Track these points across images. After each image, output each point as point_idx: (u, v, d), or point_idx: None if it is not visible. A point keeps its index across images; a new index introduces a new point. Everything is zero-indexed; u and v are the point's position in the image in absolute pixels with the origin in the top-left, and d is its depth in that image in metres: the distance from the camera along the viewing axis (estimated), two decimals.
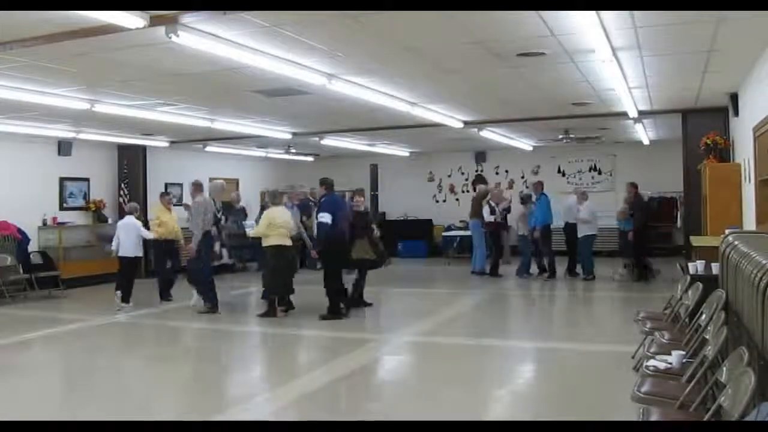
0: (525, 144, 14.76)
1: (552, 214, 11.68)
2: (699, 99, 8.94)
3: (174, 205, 10.37)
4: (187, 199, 13.71)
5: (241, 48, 5.54)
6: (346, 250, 8.17)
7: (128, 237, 9.03)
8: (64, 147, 11.86)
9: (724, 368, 2.88)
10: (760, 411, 2.21)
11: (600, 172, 15.63)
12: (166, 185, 13.95)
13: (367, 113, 9.53)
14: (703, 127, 9.22)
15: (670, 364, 3.71)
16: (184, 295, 9.30)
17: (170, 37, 4.84)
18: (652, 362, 3.79)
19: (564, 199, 12.38)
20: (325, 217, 7.91)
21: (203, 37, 5.10)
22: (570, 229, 11.49)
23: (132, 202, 10.39)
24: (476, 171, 16.80)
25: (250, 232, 8.82)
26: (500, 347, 6.81)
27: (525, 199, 12.05)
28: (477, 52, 6.10)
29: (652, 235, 11.51)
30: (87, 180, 12.53)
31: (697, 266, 5.89)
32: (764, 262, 3.04)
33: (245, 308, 9.09)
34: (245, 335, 7.86)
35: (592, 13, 4.66)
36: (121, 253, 9.03)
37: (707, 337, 3.72)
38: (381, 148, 15.38)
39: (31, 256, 10.80)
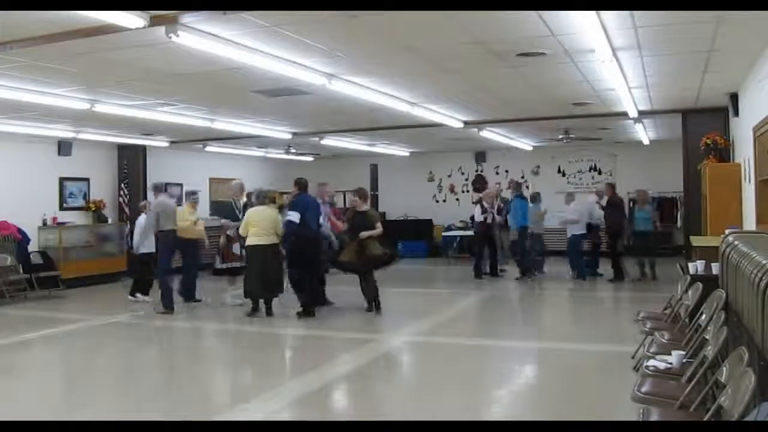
0: (525, 144, 14.76)
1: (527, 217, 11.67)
2: (699, 99, 8.94)
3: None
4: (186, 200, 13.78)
5: (241, 48, 5.54)
6: (314, 250, 8.23)
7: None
8: (64, 147, 11.86)
9: (724, 368, 2.88)
10: (760, 411, 2.21)
11: (600, 172, 15.64)
12: (166, 185, 13.97)
13: (367, 113, 9.53)
14: (703, 127, 9.22)
15: (670, 364, 3.71)
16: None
17: (170, 37, 4.84)
18: (652, 362, 3.79)
19: (583, 199, 12.13)
20: (293, 216, 7.98)
21: (203, 37, 5.10)
22: (592, 229, 11.35)
23: (144, 200, 10.66)
24: (476, 171, 16.80)
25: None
26: (500, 347, 6.81)
27: (534, 198, 11.98)
28: (477, 52, 6.10)
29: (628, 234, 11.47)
30: (87, 180, 12.53)
31: (697, 266, 5.89)
32: (764, 262, 3.04)
33: (246, 309, 9.06)
34: (245, 335, 7.85)
35: (592, 13, 4.66)
36: (142, 250, 9.39)
37: (707, 337, 3.72)
38: (381, 148, 15.38)
39: (31, 256, 10.81)
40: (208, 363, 6.60)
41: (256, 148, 14.61)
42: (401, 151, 16.13)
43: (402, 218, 16.92)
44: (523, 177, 16.17)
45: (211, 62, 6.09)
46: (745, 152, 7.53)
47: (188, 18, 4.74)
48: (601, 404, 4.66)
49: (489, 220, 11.69)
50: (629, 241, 11.51)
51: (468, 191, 16.78)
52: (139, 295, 9.55)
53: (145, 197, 12.65)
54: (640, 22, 5.19)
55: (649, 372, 3.66)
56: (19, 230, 10.63)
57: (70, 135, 11.04)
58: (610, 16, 4.95)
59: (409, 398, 5.08)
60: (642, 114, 9.93)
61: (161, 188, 9.38)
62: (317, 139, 12.70)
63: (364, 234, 8.36)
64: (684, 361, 3.72)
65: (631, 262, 11.09)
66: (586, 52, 6.09)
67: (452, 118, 10.36)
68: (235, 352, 7.09)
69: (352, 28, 5.23)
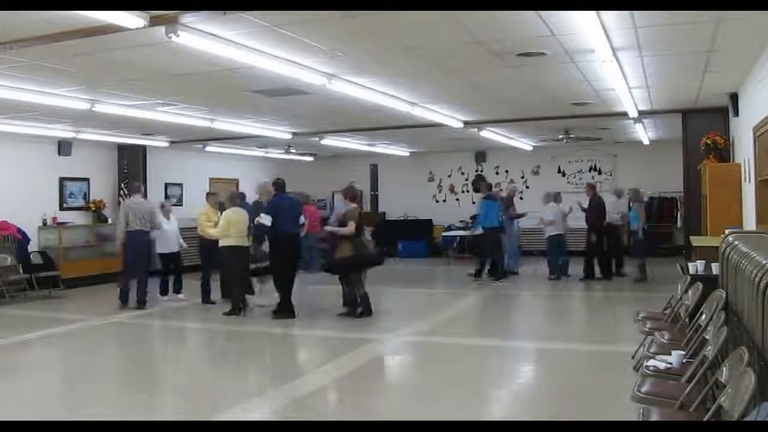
0: (525, 144, 14.77)
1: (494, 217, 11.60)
2: (699, 99, 8.94)
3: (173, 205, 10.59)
4: (187, 199, 13.81)
5: (241, 48, 5.54)
6: (292, 250, 8.22)
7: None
8: (64, 147, 11.86)
9: (724, 368, 2.88)
10: (760, 411, 2.21)
11: (600, 172, 15.64)
12: (166, 185, 14.00)
13: (367, 113, 9.53)
14: (703, 127, 9.22)
15: (670, 364, 3.71)
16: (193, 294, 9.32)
17: (170, 37, 4.84)
18: (652, 362, 3.79)
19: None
20: (264, 219, 8.03)
21: (203, 37, 5.11)
22: (610, 228, 11.24)
23: (165, 201, 10.89)
24: (476, 171, 16.80)
25: (213, 232, 8.82)
26: (500, 347, 6.80)
27: (556, 198, 11.79)
28: (477, 52, 6.10)
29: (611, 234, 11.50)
30: (87, 180, 12.53)
31: (697, 266, 5.88)
32: (764, 262, 3.04)
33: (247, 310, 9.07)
34: (245, 335, 7.85)
35: (592, 13, 4.66)
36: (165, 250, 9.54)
37: (707, 337, 3.71)
38: (381, 148, 15.39)
39: (31, 256, 10.81)
40: (209, 363, 6.60)
41: (256, 148, 14.62)
42: (401, 151, 16.13)
43: (402, 218, 16.93)
44: (523, 177, 16.19)
45: (211, 62, 6.09)
46: (745, 152, 7.54)
47: (188, 18, 4.74)
48: (601, 404, 4.66)
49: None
50: (628, 241, 11.54)
51: (468, 191, 16.78)
52: (176, 294, 9.64)
53: (145, 197, 12.67)
54: (640, 22, 5.19)
55: (649, 372, 3.66)
56: (19, 230, 10.64)
57: (70, 135, 11.04)
58: (610, 16, 4.95)
59: (409, 398, 5.07)
60: (642, 114, 9.94)
61: (136, 189, 9.55)
62: (317, 139, 12.70)
63: (327, 228, 8.42)
64: (684, 361, 3.71)
65: (632, 263, 11.12)
66: (586, 52, 6.09)
67: (452, 118, 10.36)
68: (235, 352, 7.08)
69: (352, 28, 5.23)
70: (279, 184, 8.45)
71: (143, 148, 13.01)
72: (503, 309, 9.61)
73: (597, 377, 5.48)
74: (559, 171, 15.96)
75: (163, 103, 8.63)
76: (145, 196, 10.09)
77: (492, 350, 6.66)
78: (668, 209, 14.48)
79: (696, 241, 7.59)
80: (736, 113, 8.30)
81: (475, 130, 11.47)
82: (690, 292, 5.05)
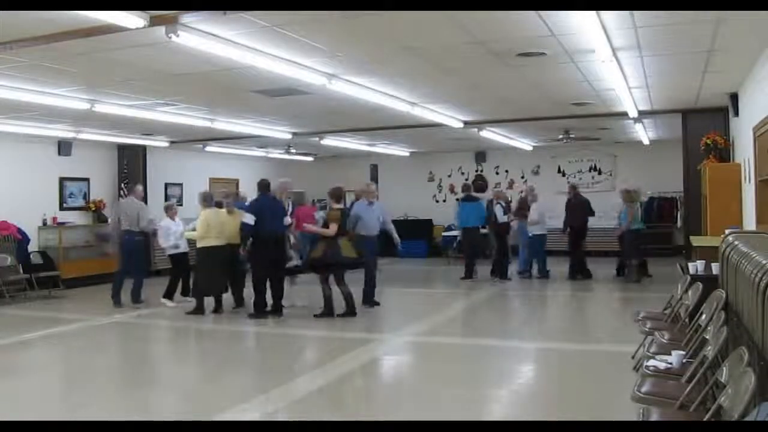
0: (525, 144, 14.77)
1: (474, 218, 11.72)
2: (699, 99, 8.94)
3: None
4: (187, 199, 13.80)
5: (241, 48, 5.54)
6: (274, 249, 8.25)
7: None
8: (64, 147, 11.86)
9: (724, 368, 2.88)
10: (760, 411, 2.21)
11: (600, 172, 15.64)
12: (166, 185, 14.00)
13: (367, 113, 9.53)
14: (703, 127, 9.23)
15: (670, 364, 3.71)
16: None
17: (170, 37, 4.84)
18: (652, 362, 3.79)
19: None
20: (247, 218, 8.11)
21: (203, 37, 5.10)
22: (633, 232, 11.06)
23: (169, 201, 10.84)
24: (476, 171, 16.81)
25: (190, 235, 8.90)
26: (500, 347, 6.80)
27: (532, 197, 11.82)
28: (477, 52, 6.10)
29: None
30: (87, 180, 12.53)
31: (697, 266, 5.89)
32: (764, 262, 3.04)
33: (249, 310, 9.07)
34: (245, 335, 7.86)
35: (592, 13, 4.66)
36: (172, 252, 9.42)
37: (707, 337, 3.71)
38: (381, 148, 15.39)
39: (31, 256, 10.81)
40: (208, 362, 6.60)
41: (256, 148, 14.62)
42: (401, 151, 16.13)
43: (402, 218, 16.91)
44: (523, 177, 16.19)
45: (211, 62, 6.09)
46: (745, 152, 7.54)
47: (188, 18, 4.74)
48: (601, 404, 4.66)
49: (510, 219, 11.69)
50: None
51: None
52: (187, 297, 9.31)
53: (145, 197, 12.66)
54: (640, 22, 5.19)
55: (649, 372, 3.66)
56: (19, 230, 10.63)
57: (70, 135, 11.04)
58: (610, 16, 4.95)
59: (409, 398, 5.07)
60: (642, 114, 9.93)
61: (131, 189, 9.66)
62: (317, 139, 12.70)
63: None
64: (684, 361, 3.72)
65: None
66: (586, 52, 6.09)
67: (452, 118, 10.36)
68: (235, 352, 7.09)
69: (352, 28, 5.23)
70: (262, 185, 8.53)
71: (143, 148, 13.01)
72: (503, 309, 9.62)
73: (597, 377, 5.48)
74: (559, 171, 15.96)
75: (163, 103, 8.63)
76: (144, 196, 10.06)
77: (492, 350, 6.66)
78: (668, 209, 14.47)
79: (696, 241, 7.59)
80: (736, 113, 8.30)
81: (475, 130, 11.47)
82: (690, 292, 5.05)
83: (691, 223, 9.94)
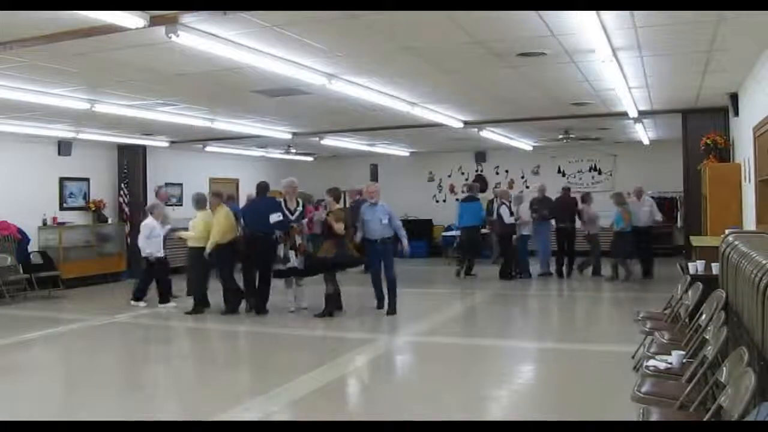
0: (525, 144, 14.77)
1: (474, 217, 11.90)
2: (699, 99, 8.94)
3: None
4: (187, 199, 13.77)
5: (241, 48, 5.54)
6: (262, 250, 8.34)
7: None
8: (64, 147, 11.86)
9: (724, 368, 2.88)
10: (760, 411, 2.21)
11: (600, 172, 15.64)
12: (166, 185, 13.98)
13: (367, 113, 9.53)
14: (703, 127, 9.23)
15: (670, 364, 3.71)
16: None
17: (170, 37, 4.84)
18: (652, 362, 3.79)
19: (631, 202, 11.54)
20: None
21: (203, 37, 5.10)
22: (639, 231, 11.04)
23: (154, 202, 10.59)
24: (476, 171, 16.81)
25: (185, 234, 8.94)
26: (500, 347, 6.81)
27: (585, 198, 11.82)
28: (477, 52, 6.10)
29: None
30: (87, 180, 12.53)
31: (697, 266, 5.89)
32: (764, 262, 3.04)
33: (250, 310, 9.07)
34: (245, 335, 7.86)
35: (592, 13, 4.66)
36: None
37: (707, 337, 3.72)
38: (381, 148, 15.38)
39: (31, 256, 10.81)
40: (208, 362, 6.60)
41: (256, 148, 14.61)
42: (401, 151, 16.13)
43: (402, 218, 16.87)
44: (523, 177, 16.18)
45: (211, 62, 6.09)
46: (745, 152, 7.54)
47: (188, 18, 4.74)
48: (601, 404, 4.66)
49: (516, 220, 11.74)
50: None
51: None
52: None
53: (145, 197, 12.73)
54: (640, 22, 5.19)
55: (649, 372, 3.66)
56: (19, 230, 10.63)
57: (70, 135, 11.04)
58: (610, 16, 4.95)
59: (409, 398, 5.07)
60: (642, 114, 9.93)
61: (158, 192, 9.93)
62: (317, 139, 12.70)
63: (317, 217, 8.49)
64: (684, 361, 3.72)
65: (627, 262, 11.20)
66: (586, 52, 6.09)
67: (452, 118, 10.36)
68: (235, 351, 7.09)
69: (352, 28, 5.23)
70: (259, 186, 8.82)
71: (143, 148, 13.01)
72: (503, 309, 9.61)
73: (597, 377, 5.48)
74: (559, 171, 15.96)
75: (163, 103, 8.63)
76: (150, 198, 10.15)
77: (492, 350, 6.66)
78: (668, 209, 14.46)
79: (696, 241, 7.59)
80: (736, 113, 8.30)
81: (475, 130, 11.47)
82: (690, 292, 5.06)
83: (691, 223, 9.95)
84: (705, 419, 2.77)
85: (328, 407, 4.95)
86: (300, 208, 8.50)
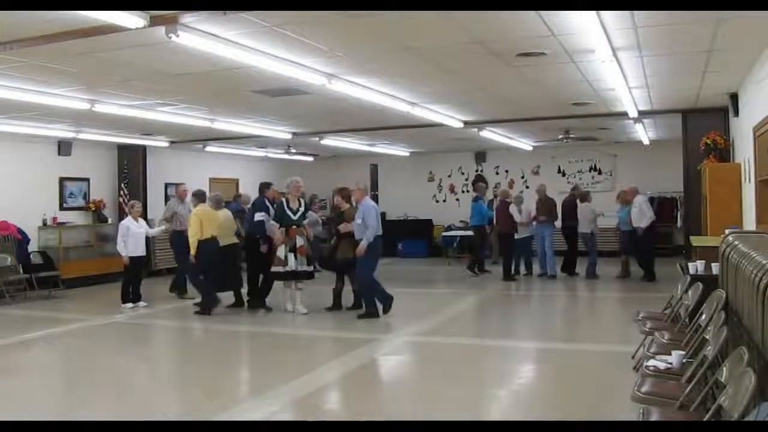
0: (525, 144, 14.76)
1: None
2: (699, 99, 8.94)
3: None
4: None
5: (241, 48, 5.54)
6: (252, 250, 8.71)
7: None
8: (64, 147, 11.86)
9: (724, 368, 2.88)
10: (760, 411, 2.21)
11: (600, 172, 15.64)
12: (166, 185, 14.00)
13: (367, 113, 9.53)
14: (703, 127, 9.22)
15: (670, 364, 3.71)
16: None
17: (170, 37, 4.84)
18: (652, 362, 3.79)
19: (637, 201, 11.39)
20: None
21: (203, 37, 5.10)
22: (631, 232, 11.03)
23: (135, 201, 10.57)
24: (476, 171, 16.81)
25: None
26: (500, 347, 6.81)
27: (584, 197, 11.81)
28: (477, 52, 6.10)
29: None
30: (87, 180, 12.53)
31: (697, 266, 5.89)
32: (764, 262, 3.04)
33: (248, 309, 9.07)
34: (245, 335, 7.86)
35: (592, 13, 4.66)
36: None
37: (707, 337, 3.72)
38: (381, 148, 15.38)
39: (31, 256, 10.80)
40: (208, 362, 6.59)
41: (256, 148, 14.61)
42: (401, 151, 16.13)
43: (402, 218, 16.92)
44: (523, 177, 16.18)
45: (211, 62, 6.09)
46: (745, 152, 7.54)
47: (188, 18, 4.74)
48: (601, 404, 4.66)
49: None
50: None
51: (468, 191, 16.77)
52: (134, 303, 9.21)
53: (145, 197, 12.74)
54: (640, 22, 5.19)
55: (649, 372, 3.66)
56: (19, 230, 10.63)
57: (70, 135, 11.04)
58: (610, 16, 4.95)
59: (409, 398, 5.07)
60: (642, 114, 9.93)
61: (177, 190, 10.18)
62: (317, 139, 12.70)
63: (343, 227, 8.43)
64: (684, 361, 3.72)
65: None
66: (586, 52, 6.09)
67: (452, 118, 10.36)
68: (235, 351, 7.09)
69: (352, 28, 5.23)
70: (259, 186, 9.15)
71: (143, 148, 13.01)
72: (503, 309, 9.61)
73: (597, 377, 5.48)
74: (559, 171, 15.96)
75: (163, 103, 8.63)
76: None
77: (492, 350, 6.66)
78: (668, 209, 14.47)
79: (696, 241, 7.59)
80: (736, 113, 8.30)
81: (475, 130, 11.47)
82: (690, 292, 5.06)
83: (691, 223, 9.94)
84: (705, 419, 2.77)
85: (328, 407, 4.95)
86: (302, 209, 8.48)
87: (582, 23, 4.97)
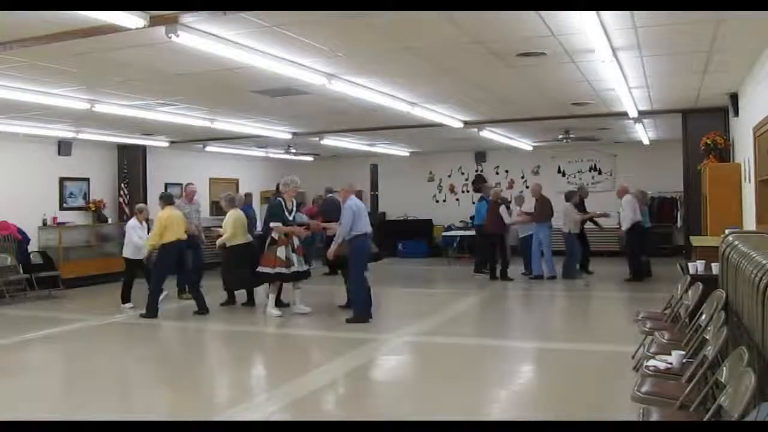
0: (525, 144, 14.76)
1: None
2: (699, 99, 8.94)
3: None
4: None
5: (241, 48, 5.54)
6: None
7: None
8: (64, 147, 11.86)
9: (724, 368, 2.88)
10: (760, 411, 2.21)
11: (600, 172, 15.64)
12: (166, 185, 14.00)
13: (367, 113, 9.53)
14: (703, 127, 9.22)
15: (670, 364, 3.71)
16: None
17: (170, 37, 4.83)
18: (652, 362, 3.79)
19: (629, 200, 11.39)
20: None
21: (203, 37, 5.10)
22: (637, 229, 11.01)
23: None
24: (476, 171, 16.81)
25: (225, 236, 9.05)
26: (500, 347, 6.81)
27: (569, 197, 11.80)
28: (477, 52, 6.10)
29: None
30: (87, 180, 12.53)
31: (697, 266, 5.89)
32: (764, 262, 3.04)
33: (249, 309, 9.08)
34: (244, 335, 7.85)
35: (592, 13, 4.66)
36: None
37: (707, 337, 3.72)
38: (381, 148, 15.38)
39: (31, 256, 10.81)
40: (208, 363, 6.60)
41: (256, 148, 14.61)
42: (401, 151, 16.13)
43: (402, 218, 16.93)
44: (523, 177, 16.18)
45: (211, 62, 6.09)
46: (745, 152, 7.54)
47: (188, 18, 4.74)
48: (601, 404, 4.66)
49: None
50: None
51: (468, 191, 16.79)
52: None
53: (145, 197, 12.72)
54: (640, 22, 5.19)
55: (649, 372, 3.66)
56: (19, 230, 10.63)
57: (70, 135, 11.04)
58: (610, 16, 4.95)
59: (409, 398, 5.07)
60: (642, 114, 9.93)
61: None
62: (317, 139, 12.70)
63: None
64: (684, 361, 3.72)
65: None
66: (586, 52, 6.09)
67: (452, 118, 10.35)
68: (235, 351, 7.08)
69: (352, 28, 5.23)
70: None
71: (143, 148, 13.01)
72: (503, 309, 9.62)
73: (597, 377, 5.48)
74: (559, 171, 15.96)
75: (163, 103, 8.63)
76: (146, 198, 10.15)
77: (492, 350, 6.66)
78: (668, 209, 14.48)
79: (696, 241, 7.59)
80: (736, 113, 8.30)
81: (475, 130, 11.47)
82: (690, 292, 5.06)
83: (691, 223, 9.94)
84: (705, 419, 2.77)
85: (328, 407, 4.96)
86: (294, 209, 8.52)
87: (582, 23, 4.97)
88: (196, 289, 8.87)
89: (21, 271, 10.41)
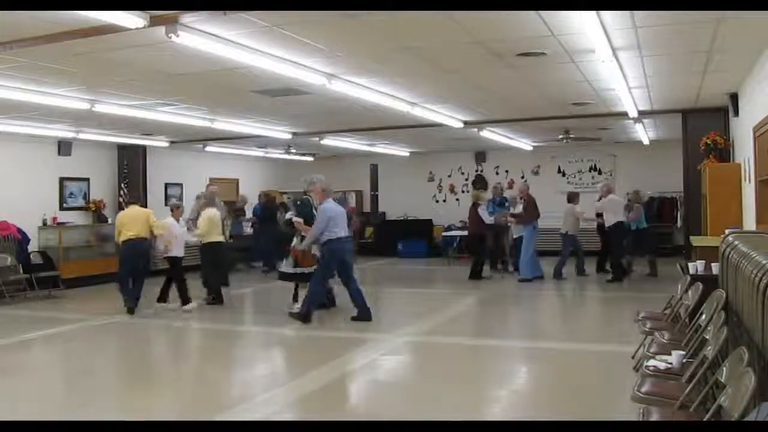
0: (525, 144, 14.77)
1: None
2: (699, 99, 8.94)
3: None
4: (187, 199, 13.78)
5: (241, 48, 5.54)
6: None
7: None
8: (64, 147, 11.86)
9: (724, 368, 2.88)
10: (760, 411, 2.21)
11: (600, 172, 15.63)
12: (166, 185, 14.01)
13: (367, 113, 9.53)
14: (703, 127, 9.22)
15: (670, 364, 3.71)
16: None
17: (170, 37, 4.83)
18: (652, 362, 3.79)
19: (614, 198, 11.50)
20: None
21: (203, 37, 5.10)
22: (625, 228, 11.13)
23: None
24: (476, 171, 16.81)
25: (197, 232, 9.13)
26: (500, 347, 6.81)
27: (571, 198, 11.79)
28: (477, 52, 6.10)
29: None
30: (87, 180, 12.53)
31: (697, 266, 5.89)
32: (764, 262, 3.04)
33: (249, 308, 9.08)
34: (245, 335, 7.86)
35: (592, 13, 4.66)
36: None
37: (707, 337, 3.72)
38: (381, 148, 15.38)
39: (31, 256, 10.80)
40: (208, 363, 6.60)
41: (256, 148, 14.61)
42: (401, 151, 16.13)
43: (402, 218, 16.93)
44: (523, 177, 16.18)
45: (211, 62, 6.09)
46: (745, 152, 7.54)
47: (188, 18, 4.74)
48: (601, 404, 4.66)
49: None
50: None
51: (468, 191, 16.78)
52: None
53: (145, 197, 12.73)
54: (640, 22, 5.19)
55: (649, 372, 3.66)
56: (19, 230, 10.63)
57: (70, 135, 11.04)
58: (610, 16, 4.95)
59: (408, 398, 5.07)
60: (642, 114, 9.93)
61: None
62: (317, 139, 12.70)
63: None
64: (684, 361, 3.72)
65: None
66: (586, 52, 6.09)
67: (452, 118, 10.35)
68: (235, 351, 7.08)
69: (352, 28, 5.23)
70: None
71: (143, 148, 13.01)
72: (503, 309, 9.61)
73: (597, 377, 5.48)
74: (559, 171, 15.96)
75: (163, 103, 8.63)
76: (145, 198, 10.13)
77: (492, 350, 6.66)
78: (668, 209, 14.48)
79: (696, 241, 7.59)
80: (736, 113, 8.30)
81: (475, 130, 11.47)
82: (690, 292, 5.06)
83: (691, 223, 9.94)
84: (705, 419, 2.77)
85: (328, 407, 4.95)
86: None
87: (582, 23, 4.97)
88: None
89: (21, 271, 10.40)
